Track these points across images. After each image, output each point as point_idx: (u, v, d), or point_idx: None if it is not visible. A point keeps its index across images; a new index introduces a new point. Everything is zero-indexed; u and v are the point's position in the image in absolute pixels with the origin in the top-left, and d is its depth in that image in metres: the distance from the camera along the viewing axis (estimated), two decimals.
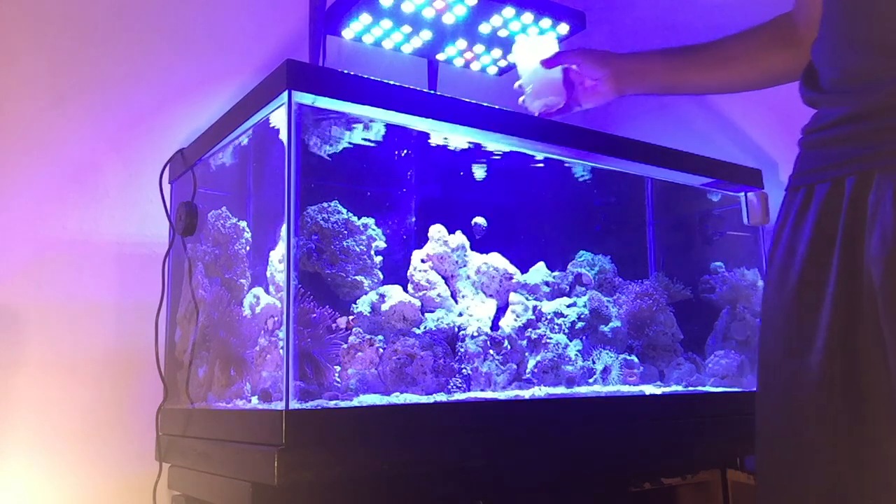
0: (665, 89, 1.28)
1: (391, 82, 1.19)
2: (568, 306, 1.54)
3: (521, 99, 1.31)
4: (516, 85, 1.32)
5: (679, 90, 1.26)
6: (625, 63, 1.25)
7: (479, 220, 1.56)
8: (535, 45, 1.30)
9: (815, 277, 0.90)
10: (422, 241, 1.49)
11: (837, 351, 0.87)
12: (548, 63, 1.26)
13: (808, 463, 0.89)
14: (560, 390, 1.37)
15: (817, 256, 0.90)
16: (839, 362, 0.86)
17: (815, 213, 0.92)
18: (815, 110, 0.96)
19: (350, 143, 1.29)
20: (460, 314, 1.42)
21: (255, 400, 1.17)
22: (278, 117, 1.14)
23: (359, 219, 1.41)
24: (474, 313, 1.42)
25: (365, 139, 1.32)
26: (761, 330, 0.99)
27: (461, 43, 1.81)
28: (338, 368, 1.23)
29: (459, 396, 1.23)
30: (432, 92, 1.86)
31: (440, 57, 1.89)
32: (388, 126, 1.28)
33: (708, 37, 1.17)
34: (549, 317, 1.50)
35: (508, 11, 1.69)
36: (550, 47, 1.29)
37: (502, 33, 1.78)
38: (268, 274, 1.30)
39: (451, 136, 1.32)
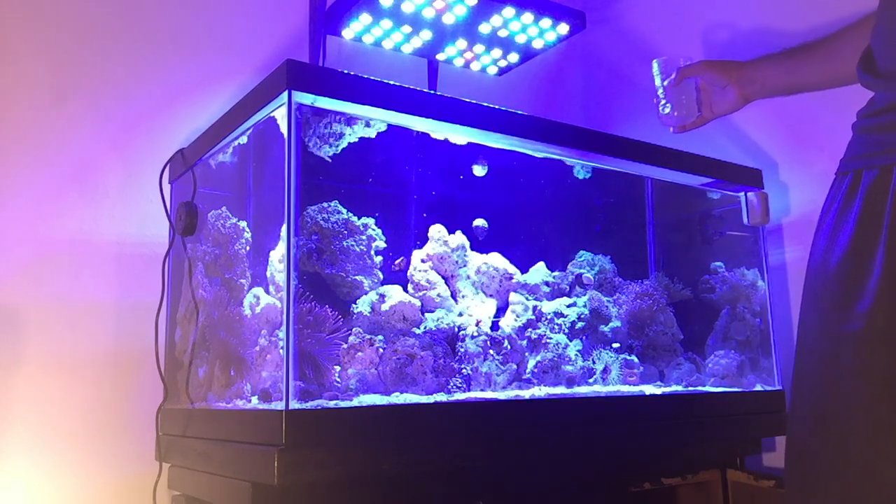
0: (787, 90, 1.30)
1: (391, 82, 1.18)
2: (568, 306, 1.54)
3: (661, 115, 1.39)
4: (656, 102, 1.40)
5: (800, 89, 1.28)
6: (745, 70, 1.30)
7: (481, 223, 1.56)
8: (665, 64, 1.38)
9: (858, 264, 0.89)
10: (422, 241, 1.49)
11: (878, 341, 0.85)
12: (676, 79, 1.34)
13: (842, 447, 0.87)
14: (560, 390, 1.37)
15: (862, 243, 0.89)
16: (881, 352, 0.85)
17: (861, 200, 0.91)
18: (872, 94, 0.95)
19: (350, 142, 1.29)
20: (460, 314, 1.41)
21: (255, 400, 1.17)
22: (278, 117, 1.14)
23: (359, 219, 1.41)
24: (474, 313, 1.42)
25: (365, 139, 1.32)
26: (800, 316, 0.98)
27: (461, 43, 1.81)
28: (338, 368, 1.23)
29: (459, 396, 1.22)
30: (432, 92, 1.86)
31: (440, 57, 1.89)
32: (388, 126, 1.28)
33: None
34: (549, 317, 1.50)
35: (508, 11, 1.69)
36: (680, 65, 1.37)
37: (502, 33, 1.78)
38: (268, 274, 1.31)
39: (451, 135, 1.32)
